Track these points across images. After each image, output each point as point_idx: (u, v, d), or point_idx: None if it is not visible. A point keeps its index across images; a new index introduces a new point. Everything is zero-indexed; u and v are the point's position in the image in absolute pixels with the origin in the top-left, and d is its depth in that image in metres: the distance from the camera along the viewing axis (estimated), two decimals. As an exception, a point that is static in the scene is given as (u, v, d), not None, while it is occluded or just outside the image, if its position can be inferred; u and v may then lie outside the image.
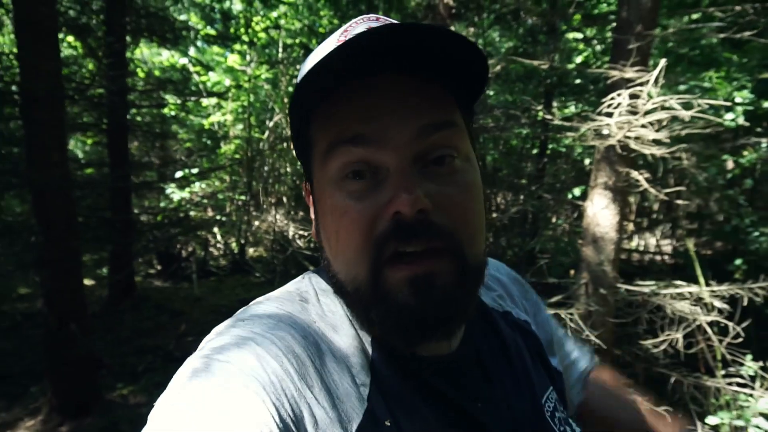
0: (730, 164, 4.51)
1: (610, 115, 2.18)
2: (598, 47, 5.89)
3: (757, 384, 2.57)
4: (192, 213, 7.63)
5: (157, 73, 7.77)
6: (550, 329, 0.75)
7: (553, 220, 5.95)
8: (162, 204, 7.50)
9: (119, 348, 4.73)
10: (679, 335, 2.11)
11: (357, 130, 0.47)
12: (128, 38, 5.66)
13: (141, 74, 7.77)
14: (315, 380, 0.46)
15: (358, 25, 0.52)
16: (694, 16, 3.45)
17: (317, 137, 0.51)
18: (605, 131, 2.45)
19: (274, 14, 7.49)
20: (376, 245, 0.47)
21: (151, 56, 7.88)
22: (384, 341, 0.52)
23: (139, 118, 7.52)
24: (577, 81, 5.16)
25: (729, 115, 3.04)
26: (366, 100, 0.47)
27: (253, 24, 7.34)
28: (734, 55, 3.61)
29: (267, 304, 0.53)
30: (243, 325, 0.49)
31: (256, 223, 8.44)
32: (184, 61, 7.87)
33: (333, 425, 0.45)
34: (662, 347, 2.24)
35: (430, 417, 0.50)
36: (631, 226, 6.95)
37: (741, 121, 3.04)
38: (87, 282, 6.58)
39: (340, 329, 0.52)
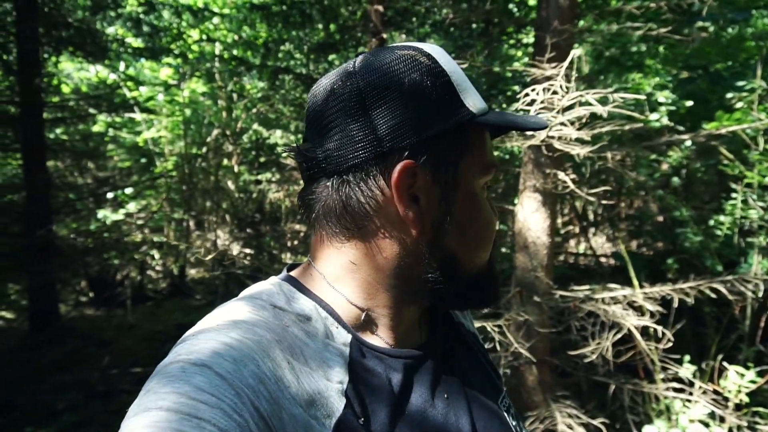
0: (664, 165, 4.57)
1: (527, 112, 2.08)
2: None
3: (696, 387, 2.50)
4: (126, 236, 7.19)
5: (84, 88, 7.35)
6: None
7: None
8: (92, 227, 7.04)
9: (35, 385, 4.31)
10: (608, 343, 2.00)
11: (495, 161, 0.62)
12: (44, 51, 5.29)
13: (66, 90, 7.34)
14: (291, 381, 0.49)
15: (444, 58, 0.60)
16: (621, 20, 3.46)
17: (477, 150, 0.60)
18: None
19: (208, 26, 7.23)
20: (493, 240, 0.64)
21: (76, 71, 7.44)
22: (362, 340, 0.57)
23: (65, 137, 7.07)
24: (515, 87, 5.15)
25: (654, 115, 3.03)
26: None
27: (185, 36, 7.05)
28: (659, 48, 3.63)
29: (239, 310, 0.54)
30: (218, 330, 0.50)
31: (198, 242, 8.06)
32: (114, 76, 7.49)
33: (311, 422, 0.48)
34: (595, 355, 2.13)
35: (410, 408, 0.56)
36: (577, 230, 7.02)
37: (665, 121, 3.03)
38: (5, 314, 6.08)
39: (315, 333, 0.55)
